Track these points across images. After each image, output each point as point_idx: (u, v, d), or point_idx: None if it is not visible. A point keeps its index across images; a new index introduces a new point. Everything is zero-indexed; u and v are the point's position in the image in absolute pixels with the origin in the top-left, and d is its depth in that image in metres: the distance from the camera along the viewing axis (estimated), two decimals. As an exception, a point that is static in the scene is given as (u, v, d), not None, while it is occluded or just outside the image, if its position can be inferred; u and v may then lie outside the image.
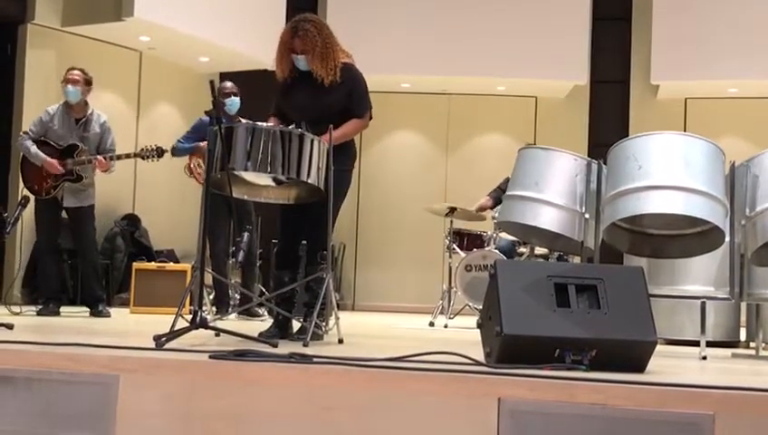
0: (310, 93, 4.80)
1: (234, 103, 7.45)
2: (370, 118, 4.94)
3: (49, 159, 6.87)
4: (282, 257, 4.94)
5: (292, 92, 4.88)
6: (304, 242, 4.90)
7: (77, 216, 7.06)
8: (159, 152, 7.09)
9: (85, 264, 7.35)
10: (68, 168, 6.89)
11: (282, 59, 4.83)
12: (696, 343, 4.88)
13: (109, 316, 6.89)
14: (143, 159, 7.11)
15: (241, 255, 7.10)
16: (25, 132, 7.09)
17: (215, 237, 7.47)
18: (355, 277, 11.89)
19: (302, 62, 4.78)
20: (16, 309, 6.71)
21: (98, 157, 6.91)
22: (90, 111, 7.07)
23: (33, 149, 6.92)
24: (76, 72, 7.02)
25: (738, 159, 4.67)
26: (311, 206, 4.72)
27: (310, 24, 4.76)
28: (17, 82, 8.95)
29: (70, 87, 6.95)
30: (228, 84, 7.58)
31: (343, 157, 4.78)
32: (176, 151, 7.55)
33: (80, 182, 6.94)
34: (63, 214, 7.13)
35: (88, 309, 7.10)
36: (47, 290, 7.03)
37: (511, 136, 11.39)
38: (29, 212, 6.58)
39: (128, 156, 7.11)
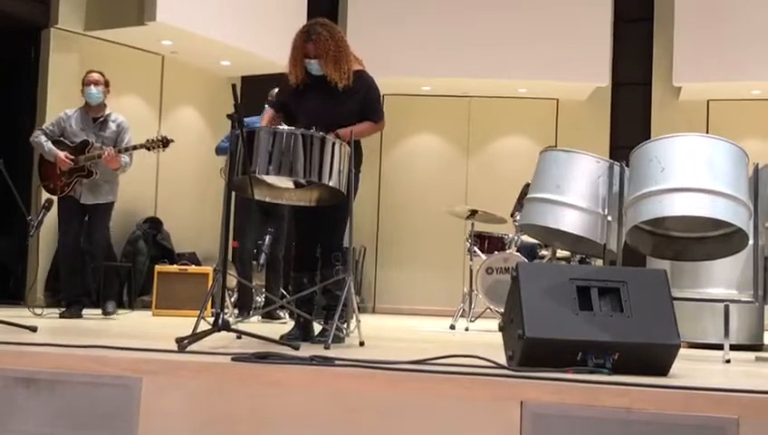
0: (323, 100, 4.81)
1: None
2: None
3: (61, 153, 6.89)
4: (299, 260, 4.96)
5: (305, 99, 4.88)
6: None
7: (92, 213, 7.03)
8: (165, 142, 7.02)
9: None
10: (79, 163, 6.90)
11: (295, 64, 4.84)
12: (719, 347, 4.85)
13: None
14: (148, 149, 7.02)
15: (262, 257, 7.11)
16: (41, 129, 7.13)
17: (242, 241, 7.47)
18: (376, 280, 11.88)
19: (315, 66, 4.79)
20: (39, 311, 6.76)
21: (105, 149, 6.86)
22: (107, 112, 7.11)
23: (48, 144, 6.97)
24: (95, 73, 7.08)
25: (762, 162, 4.64)
26: (323, 208, 4.74)
27: (322, 27, 4.78)
28: (40, 87, 9.01)
29: (92, 88, 7.01)
30: (275, 92, 7.54)
31: (354, 160, 4.80)
32: (219, 151, 7.52)
33: (91, 178, 6.91)
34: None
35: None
36: (69, 292, 7.02)
37: (532, 138, 11.36)
38: (52, 215, 6.60)
39: (134, 147, 7.02)
